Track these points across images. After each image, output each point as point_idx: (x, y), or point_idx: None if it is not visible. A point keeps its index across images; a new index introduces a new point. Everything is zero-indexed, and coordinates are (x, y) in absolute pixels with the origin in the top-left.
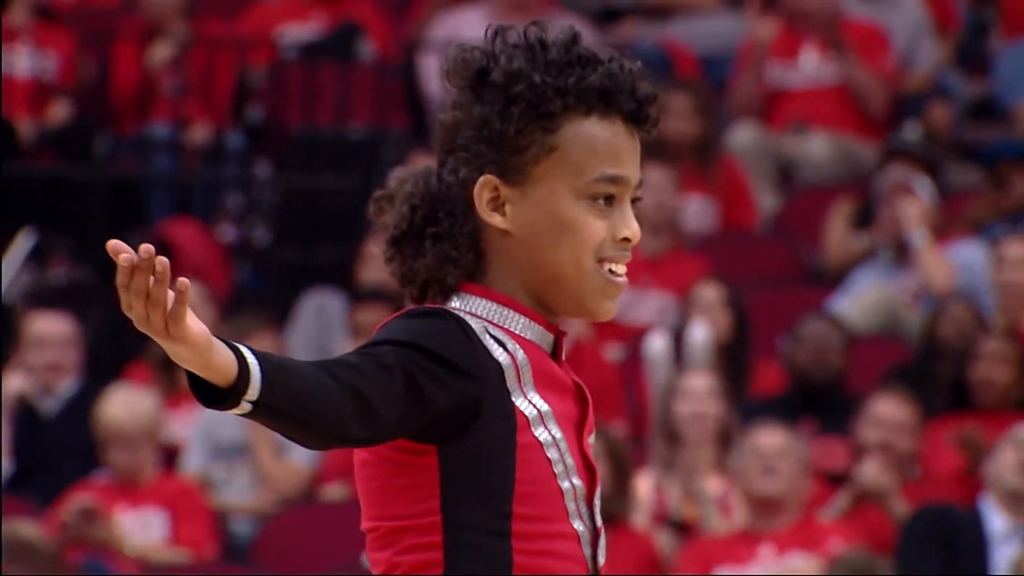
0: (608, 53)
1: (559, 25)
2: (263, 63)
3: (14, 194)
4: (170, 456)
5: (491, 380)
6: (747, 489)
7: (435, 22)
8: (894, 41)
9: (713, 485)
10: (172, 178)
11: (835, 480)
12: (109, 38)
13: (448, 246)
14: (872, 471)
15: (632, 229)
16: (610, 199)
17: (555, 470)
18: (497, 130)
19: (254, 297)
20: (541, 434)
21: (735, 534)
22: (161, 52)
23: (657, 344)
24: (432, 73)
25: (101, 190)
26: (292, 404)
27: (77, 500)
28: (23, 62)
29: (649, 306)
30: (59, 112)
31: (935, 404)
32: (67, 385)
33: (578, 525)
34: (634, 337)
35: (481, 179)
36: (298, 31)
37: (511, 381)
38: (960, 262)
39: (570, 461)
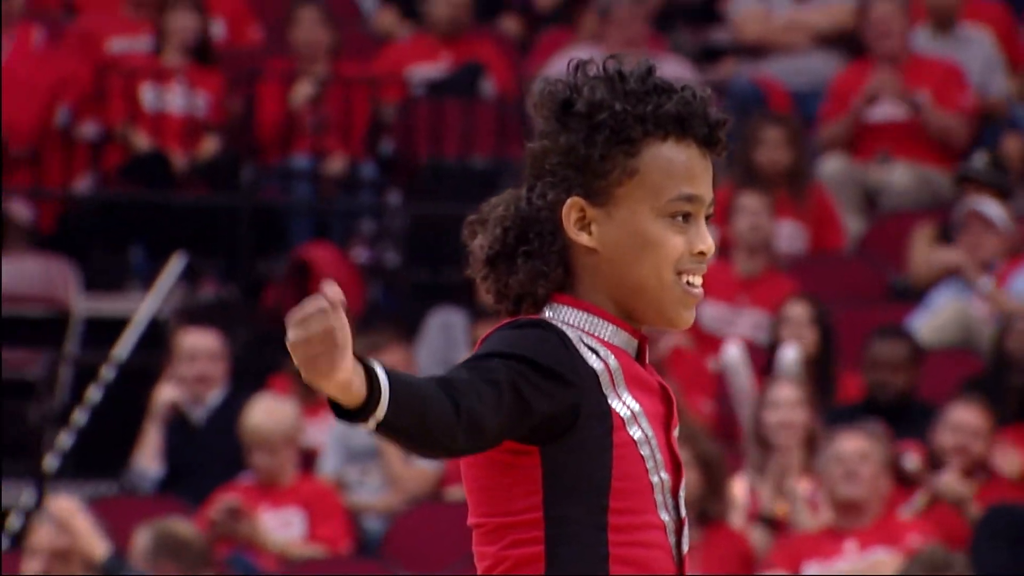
0: (681, 82)
1: (635, 59)
2: (395, 100)
3: (168, 220)
4: (308, 460)
5: (588, 385)
6: (831, 492)
7: (550, 62)
8: (968, 76)
9: (802, 486)
10: (311, 205)
11: (906, 480)
12: (255, 78)
13: (539, 263)
14: (950, 478)
15: (707, 243)
16: (687, 216)
17: (647, 466)
18: (582, 155)
19: (385, 314)
20: (635, 433)
21: (822, 531)
22: (302, 90)
23: (732, 352)
24: None
25: (246, 216)
26: (412, 423)
27: (224, 500)
28: (177, 100)
29: (745, 322)
30: (209, 146)
31: (1006, 412)
32: (215, 395)
33: (665, 516)
34: (722, 347)
35: (569, 201)
36: (426, 70)
37: (606, 385)
38: None
39: (659, 457)
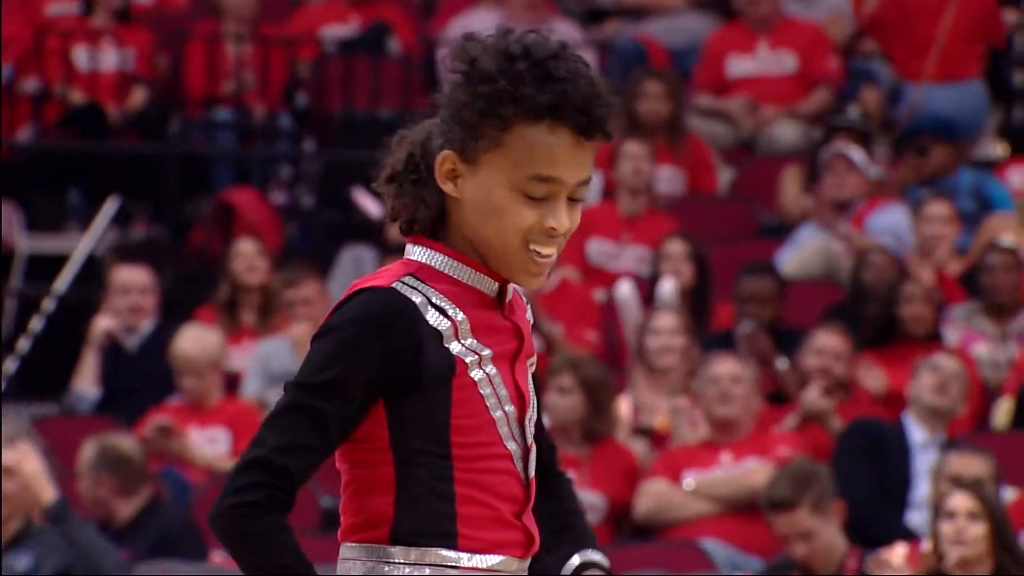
0: (580, 72)
1: (557, 36)
2: (309, 57)
3: (103, 167)
4: (232, 383)
5: (428, 342)
6: (707, 411)
7: (452, 23)
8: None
9: (681, 404)
10: (233, 153)
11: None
12: (183, 38)
13: (423, 192)
14: (813, 395)
15: (559, 222)
16: (544, 195)
17: (488, 403)
18: (463, 116)
19: (301, 251)
20: (476, 374)
21: (700, 444)
22: (226, 50)
23: (624, 289)
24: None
25: (174, 163)
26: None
27: (156, 420)
28: (108, 58)
29: (628, 257)
30: (138, 98)
31: (863, 338)
32: (147, 325)
33: (512, 445)
34: (615, 283)
35: (443, 153)
36: (338, 30)
37: (448, 339)
38: (889, 221)
39: (504, 392)
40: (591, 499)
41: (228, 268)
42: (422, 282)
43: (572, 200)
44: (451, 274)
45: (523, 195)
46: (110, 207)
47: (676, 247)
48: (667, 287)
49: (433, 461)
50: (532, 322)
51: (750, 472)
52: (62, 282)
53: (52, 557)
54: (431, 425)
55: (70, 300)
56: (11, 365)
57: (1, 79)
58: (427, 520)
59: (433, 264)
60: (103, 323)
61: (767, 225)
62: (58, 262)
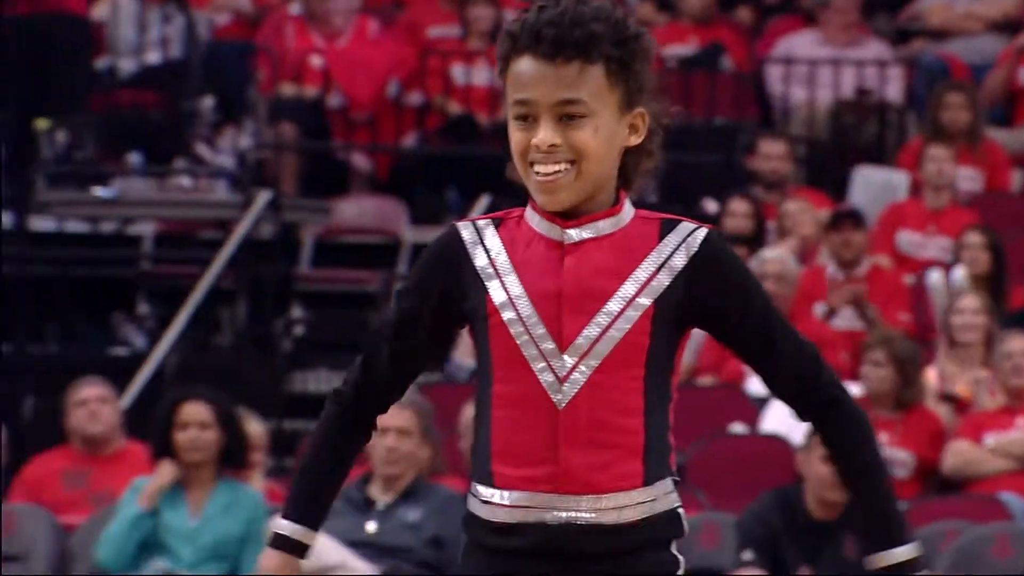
0: (558, 5)
1: None
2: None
3: (475, 169)
4: None
5: (470, 280)
6: (1003, 381)
7: (777, 43)
8: None
9: (980, 375)
10: None
11: None
12: None
13: None
14: None
15: (538, 138)
16: (529, 116)
17: (518, 341)
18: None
19: None
20: (507, 315)
21: (998, 409)
22: None
23: (934, 276)
24: (774, 80)
25: None
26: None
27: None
28: (481, 75)
29: (932, 247)
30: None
31: None
32: None
33: (548, 376)
34: (922, 269)
35: None
36: (678, 50)
37: (488, 277)
38: None
39: (539, 331)
40: (902, 457)
41: None
42: (494, 224)
43: (568, 118)
44: (528, 219)
45: (515, 121)
46: (482, 203)
47: (975, 238)
48: (958, 274)
49: (487, 397)
50: (662, 268)
51: None
52: None
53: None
54: (482, 360)
55: None
56: None
57: (388, 95)
58: (478, 457)
59: (514, 214)
60: None
61: None
62: None
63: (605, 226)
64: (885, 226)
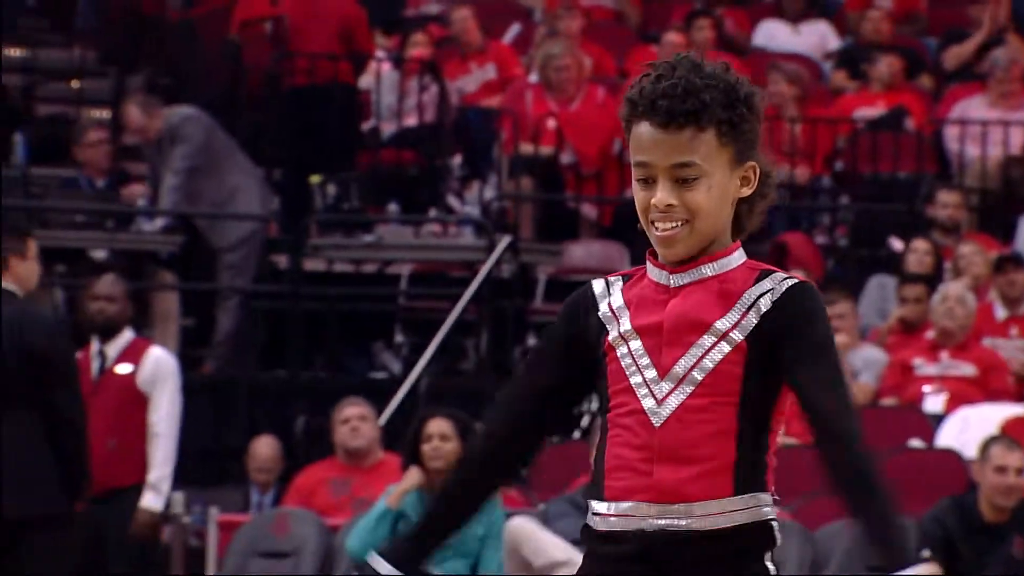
0: (673, 74)
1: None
2: (846, 133)
3: None
4: None
5: (592, 324)
6: None
7: (954, 107)
8: None
9: None
10: (787, 205)
11: None
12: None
13: None
14: None
15: (657, 198)
16: (647, 178)
17: (627, 372)
18: None
19: (838, 280)
20: (620, 348)
21: None
22: (783, 126)
23: None
24: (951, 138)
25: None
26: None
27: None
28: None
29: None
30: None
31: None
32: None
33: (649, 403)
34: None
35: None
36: (868, 111)
37: (608, 321)
38: None
39: (644, 361)
40: None
41: None
42: (623, 280)
43: (682, 181)
44: (648, 271)
45: (637, 181)
46: None
47: None
48: None
49: (605, 423)
50: (756, 305)
51: None
52: None
53: None
54: (602, 394)
55: None
56: None
57: (613, 152)
58: (595, 474)
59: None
60: None
61: None
62: None
63: (707, 270)
64: None
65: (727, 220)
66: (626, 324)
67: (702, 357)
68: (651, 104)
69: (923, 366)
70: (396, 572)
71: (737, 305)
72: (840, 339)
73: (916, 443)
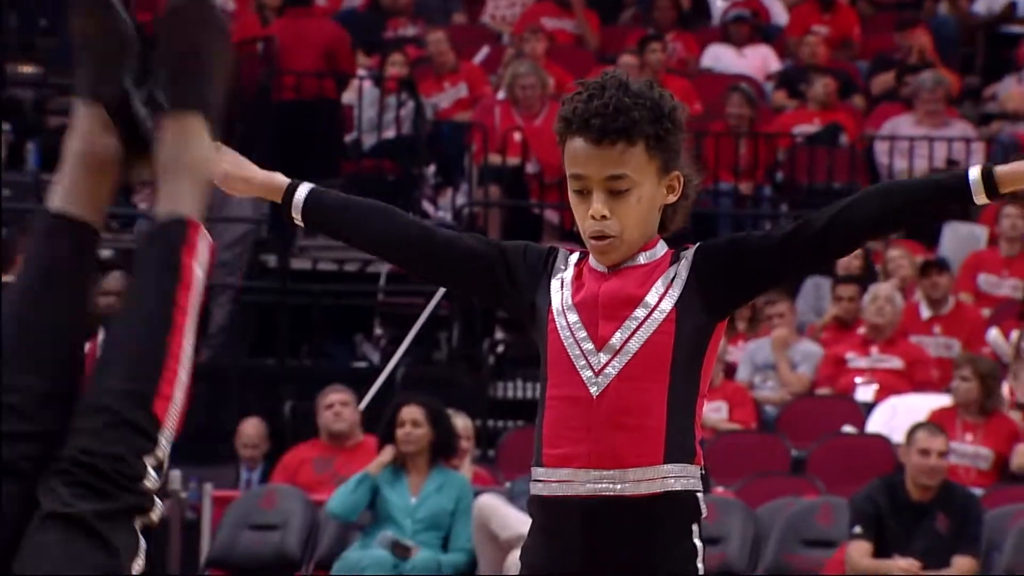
0: (603, 93)
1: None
2: (785, 147)
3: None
4: (729, 370)
5: (541, 286)
6: None
7: (884, 124)
8: None
9: None
10: (732, 213)
11: None
12: (700, 138)
13: None
14: None
15: (592, 209)
16: (581, 190)
17: (565, 343)
18: None
19: None
20: (559, 320)
21: None
22: (731, 142)
23: (993, 334)
24: (881, 153)
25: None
26: (334, 217)
27: None
28: None
29: (1007, 286)
30: None
31: None
32: None
33: (587, 373)
34: (996, 305)
35: None
36: (805, 127)
37: (555, 290)
38: None
39: (581, 334)
40: (984, 453)
41: None
42: (580, 256)
43: (615, 192)
44: (590, 259)
45: (573, 192)
46: None
47: None
48: (992, 334)
49: (544, 388)
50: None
51: None
52: None
53: None
54: (542, 361)
55: None
56: None
57: None
58: (536, 442)
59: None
60: None
61: None
62: None
63: (641, 258)
64: (968, 270)
65: (654, 224)
66: (568, 299)
67: (636, 330)
68: (584, 122)
69: (855, 359)
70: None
71: (661, 279)
72: (779, 333)
73: (849, 429)
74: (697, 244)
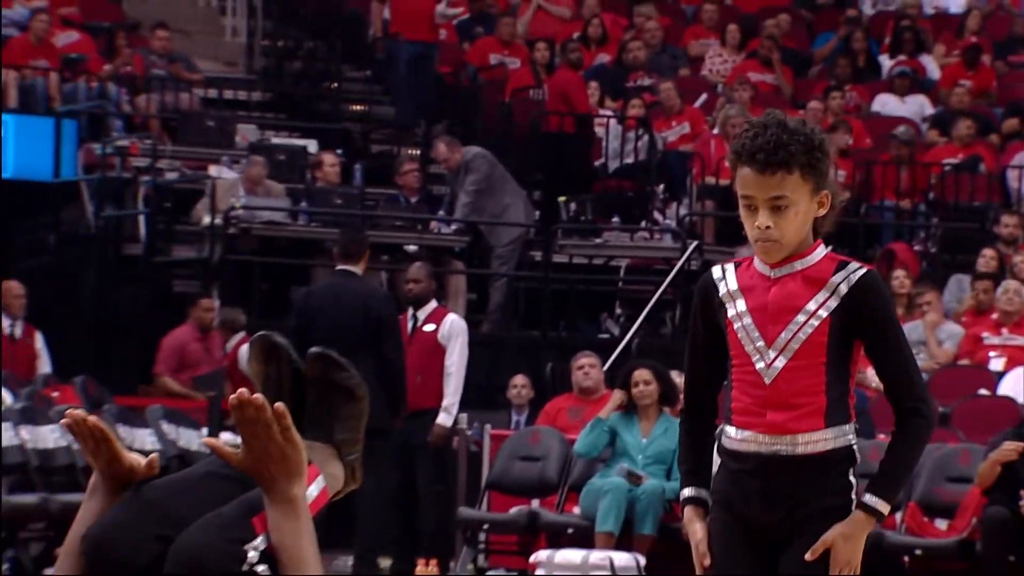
0: (766, 130)
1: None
2: (937, 173)
3: None
4: None
5: (716, 302)
6: None
7: (1016, 156)
8: None
9: None
10: (895, 224)
11: None
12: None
13: None
14: None
15: (758, 222)
16: (750, 206)
17: (740, 339)
18: None
19: (929, 277)
20: (735, 322)
21: None
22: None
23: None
24: (1012, 178)
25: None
26: None
27: None
28: None
29: None
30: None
31: None
32: None
33: (760, 364)
34: None
35: None
36: (951, 159)
37: (726, 298)
38: None
39: (755, 334)
40: None
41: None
42: (735, 266)
43: (776, 208)
44: (755, 263)
45: (743, 208)
46: None
47: None
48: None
49: (730, 373)
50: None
51: None
52: None
53: None
54: (728, 352)
55: None
56: None
57: None
58: (727, 403)
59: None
60: None
61: None
62: None
63: (798, 265)
64: None
65: (808, 231)
66: (742, 306)
67: (797, 331)
68: (751, 155)
69: (989, 338)
70: (701, 492)
71: (823, 290)
72: (930, 317)
73: (983, 392)
74: (866, 271)
